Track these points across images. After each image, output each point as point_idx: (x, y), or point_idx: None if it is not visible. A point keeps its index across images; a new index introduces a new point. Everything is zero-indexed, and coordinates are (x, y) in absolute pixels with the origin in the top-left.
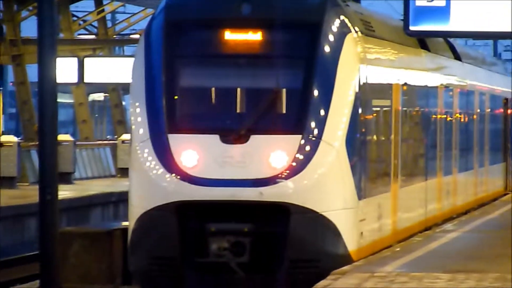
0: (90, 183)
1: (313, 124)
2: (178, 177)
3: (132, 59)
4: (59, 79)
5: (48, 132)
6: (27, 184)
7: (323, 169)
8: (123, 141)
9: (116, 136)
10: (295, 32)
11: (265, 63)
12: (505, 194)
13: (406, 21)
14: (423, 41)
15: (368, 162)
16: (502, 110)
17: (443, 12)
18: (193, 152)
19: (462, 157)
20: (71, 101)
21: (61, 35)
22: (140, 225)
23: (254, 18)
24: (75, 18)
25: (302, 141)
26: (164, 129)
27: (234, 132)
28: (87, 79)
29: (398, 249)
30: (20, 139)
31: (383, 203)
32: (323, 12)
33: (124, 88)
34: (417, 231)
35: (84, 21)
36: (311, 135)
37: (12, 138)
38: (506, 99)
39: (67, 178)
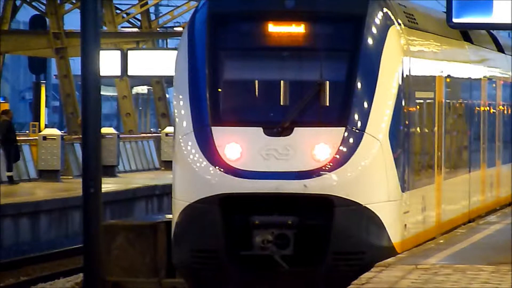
0: (133, 176)
1: (356, 117)
2: (222, 169)
3: (176, 52)
4: (103, 72)
5: (91, 125)
6: (70, 177)
7: (367, 162)
8: (166, 134)
9: (159, 129)
10: (338, 24)
11: (309, 55)
12: None
13: (449, 13)
14: (466, 33)
15: (411, 155)
16: None
17: (486, 5)
18: (237, 144)
19: (505, 149)
20: (115, 94)
21: (105, 28)
22: (184, 218)
23: (298, 11)
24: (118, 11)
25: (346, 134)
26: (208, 121)
27: (277, 124)
28: (130, 72)
29: (441, 241)
30: (63, 132)
31: (427, 195)
32: (366, 4)
33: (168, 81)
34: (460, 223)
35: (128, 14)
36: (354, 128)
37: (55, 131)
38: None
39: (110, 171)
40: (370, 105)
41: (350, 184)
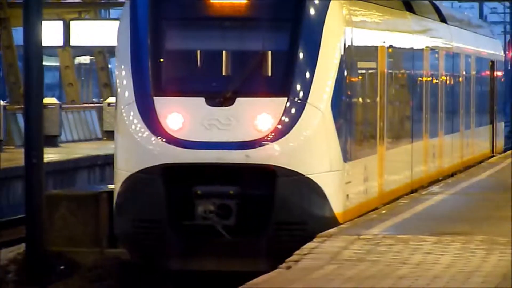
0: (76, 146)
1: (298, 87)
2: (164, 139)
3: (118, 22)
4: (45, 42)
5: (34, 95)
6: (13, 147)
7: (309, 132)
8: (109, 104)
9: (102, 99)
10: None
11: (251, 26)
12: (491, 157)
13: None
14: (408, 3)
15: (354, 125)
16: (488, 72)
17: None
18: (179, 114)
19: (448, 119)
20: (57, 64)
21: None
22: (126, 188)
23: None
24: None
25: (288, 104)
26: (150, 91)
27: (219, 94)
28: (73, 42)
29: (384, 211)
30: (6, 102)
31: (369, 166)
32: None
33: (110, 51)
34: (403, 193)
35: None
36: (296, 98)
37: None
38: (492, 61)
39: (53, 141)
40: (312, 75)
41: (292, 154)
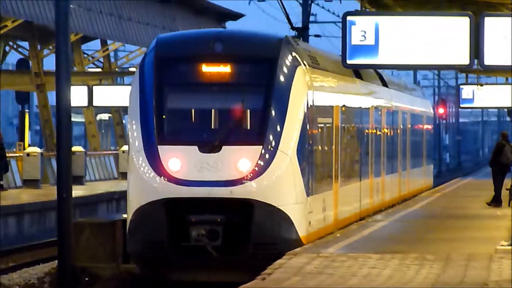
0: (97, 184)
1: (271, 137)
2: (166, 179)
3: (130, 87)
4: (73, 103)
5: (64, 144)
6: (48, 185)
7: (279, 173)
8: (123, 151)
9: (118, 147)
10: (257, 65)
11: (233, 89)
12: (423, 192)
13: (344, 56)
14: (357, 71)
15: (314, 167)
16: (420, 125)
17: (372, 49)
18: (177, 159)
19: (389, 162)
20: (83, 120)
21: (75, 69)
22: (136, 217)
23: (225, 54)
24: (85, 55)
25: (263, 151)
26: (155, 141)
27: (209, 143)
28: (95, 103)
29: (338, 235)
30: (42, 150)
31: (327, 199)
32: (279, 49)
33: (124, 110)
34: (353, 220)
35: (93, 57)
36: (270, 146)
37: (36, 149)
38: (424, 117)
39: (79, 180)
40: (282, 128)
41: (266, 190)
